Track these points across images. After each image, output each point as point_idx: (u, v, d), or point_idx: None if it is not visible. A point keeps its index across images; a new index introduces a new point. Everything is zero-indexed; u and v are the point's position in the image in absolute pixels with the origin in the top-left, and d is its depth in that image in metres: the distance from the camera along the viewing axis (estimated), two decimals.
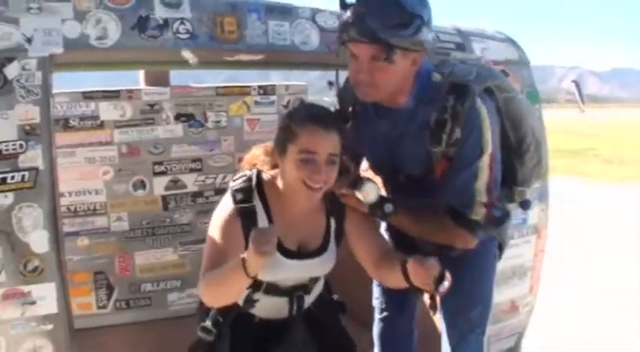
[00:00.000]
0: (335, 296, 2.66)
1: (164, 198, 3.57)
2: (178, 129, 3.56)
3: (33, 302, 2.28)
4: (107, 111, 3.41)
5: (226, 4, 2.67)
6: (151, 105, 3.50)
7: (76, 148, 3.35)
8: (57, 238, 2.32)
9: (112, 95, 3.44)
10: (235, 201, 2.25)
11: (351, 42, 2.25)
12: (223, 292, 2.14)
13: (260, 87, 3.75)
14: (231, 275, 2.04)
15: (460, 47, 3.22)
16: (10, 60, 2.24)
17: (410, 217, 2.42)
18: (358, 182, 2.34)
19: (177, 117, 3.55)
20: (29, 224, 2.26)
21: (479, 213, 2.34)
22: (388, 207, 2.35)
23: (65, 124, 3.35)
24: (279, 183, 2.29)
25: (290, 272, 2.33)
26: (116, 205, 3.47)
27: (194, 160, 3.60)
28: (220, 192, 3.49)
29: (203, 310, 2.42)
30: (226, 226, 2.21)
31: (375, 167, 2.68)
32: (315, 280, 2.47)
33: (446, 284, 2.00)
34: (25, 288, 2.27)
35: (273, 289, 2.36)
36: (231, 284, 2.08)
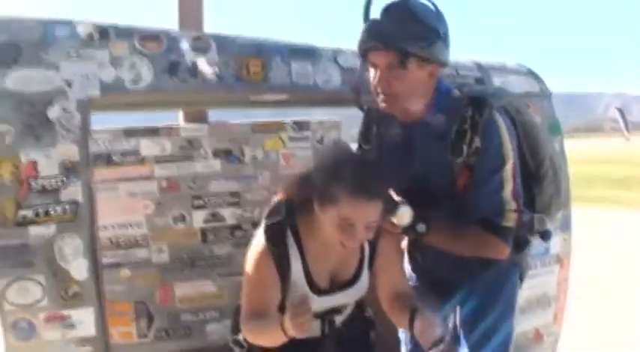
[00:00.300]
0: (368, 312, 2.67)
1: (203, 230, 3.73)
2: (216, 164, 3.74)
3: (72, 326, 2.52)
4: (148, 147, 3.62)
5: (252, 47, 2.90)
6: (190, 142, 3.69)
7: (117, 183, 3.55)
8: (95, 266, 2.56)
9: (152, 132, 3.65)
10: (267, 240, 2.30)
11: (369, 51, 2.39)
12: (265, 341, 2.26)
13: (295, 122, 3.94)
14: (271, 332, 2.15)
15: (479, 81, 3.39)
16: (52, 102, 2.51)
17: (442, 234, 2.44)
18: (393, 207, 2.33)
19: (215, 152, 3.74)
20: (70, 253, 2.52)
21: (510, 220, 2.40)
22: (421, 227, 2.38)
23: (108, 160, 3.55)
24: (314, 220, 2.28)
25: (322, 305, 2.36)
26: (157, 238, 3.64)
27: (232, 194, 3.77)
28: (257, 224, 3.69)
29: (236, 322, 2.46)
30: (260, 266, 2.29)
31: (398, 186, 2.60)
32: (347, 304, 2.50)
33: (441, 347, 2.03)
34: (66, 312, 2.51)
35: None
36: (271, 338, 2.20)
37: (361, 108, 2.75)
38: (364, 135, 2.73)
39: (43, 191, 2.49)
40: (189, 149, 3.70)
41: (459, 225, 2.43)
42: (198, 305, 3.74)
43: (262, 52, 2.89)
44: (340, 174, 2.14)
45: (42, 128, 2.49)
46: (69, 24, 2.65)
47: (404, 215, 2.34)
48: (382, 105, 2.45)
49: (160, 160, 3.63)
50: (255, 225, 3.69)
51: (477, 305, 2.53)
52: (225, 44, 2.87)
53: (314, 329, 2.39)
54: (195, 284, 3.71)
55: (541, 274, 3.44)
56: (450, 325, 2.00)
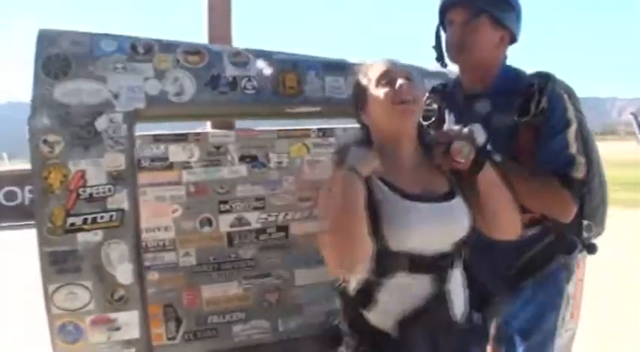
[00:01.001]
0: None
1: (229, 234, 3.85)
2: (242, 169, 3.87)
3: (118, 328, 2.71)
4: (176, 153, 3.75)
5: (288, 62, 3.09)
6: (217, 148, 3.83)
7: (147, 188, 3.67)
8: (140, 271, 2.75)
9: (180, 138, 3.78)
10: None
11: (448, 9, 2.68)
12: (343, 225, 2.02)
13: (319, 129, 4.08)
14: (343, 191, 2.03)
15: None
16: (99, 114, 2.70)
17: (516, 171, 2.43)
18: (459, 132, 2.23)
19: (242, 158, 3.87)
20: (116, 258, 2.71)
21: (580, 171, 2.52)
22: (497, 156, 2.37)
23: (137, 165, 3.68)
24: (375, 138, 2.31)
25: (425, 221, 2.15)
26: (184, 241, 3.77)
27: (257, 199, 3.90)
28: (282, 229, 3.87)
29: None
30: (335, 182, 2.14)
31: None
32: (457, 249, 2.24)
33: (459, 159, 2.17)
34: (112, 315, 2.71)
35: (417, 261, 2.15)
36: (347, 204, 2.03)
37: None
38: (426, 112, 2.79)
39: (91, 199, 2.69)
40: (216, 155, 3.83)
41: (531, 172, 2.51)
42: (224, 307, 3.85)
43: (297, 67, 3.08)
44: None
45: (90, 139, 2.69)
46: (116, 38, 2.85)
47: (478, 133, 2.24)
48: (454, 56, 2.71)
49: (187, 166, 3.78)
50: (279, 229, 3.90)
51: (532, 312, 2.66)
52: (262, 59, 3.06)
53: (422, 293, 2.19)
54: (221, 287, 3.83)
55: None
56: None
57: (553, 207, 2.57)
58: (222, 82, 2.95)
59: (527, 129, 2.57)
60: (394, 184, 2.20)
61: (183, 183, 3.77)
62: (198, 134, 3.85)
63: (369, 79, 2.30)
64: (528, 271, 2.65)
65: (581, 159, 2.54)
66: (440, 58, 2.84)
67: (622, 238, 10.37)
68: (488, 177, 2.26)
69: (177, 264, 3.79)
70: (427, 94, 2.88)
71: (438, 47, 2.82)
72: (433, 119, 2.82)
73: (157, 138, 3.75)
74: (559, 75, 2.67)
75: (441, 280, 2.20)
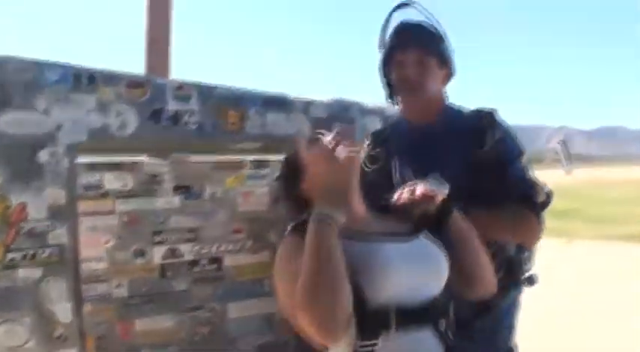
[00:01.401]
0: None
1: (162, 266, 3.79)
2: (176, 200, 3.81)
3: None
4: (110, 181, 3.68)
5: (230, 98, 3.13)
6: (152, 177, 3.79)
7: (80, 217, 3.63)
8: (79, 308, 2.73)
9: (115, 167, 3.74)
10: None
11: (397, 49, 2.81)
12: (321, 280, 1.85)
13: (254, 161, 4.06)
14: (317, 243, 1.90)
15: None
16: (41, 146, 2.68)
17: (479, 210, 2.43)
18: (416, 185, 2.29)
19: (176, 188, 3.80)
20: (55, 295, 2.69)
21: (542, 195, 2.69)
22: (457, 203, 2.30)
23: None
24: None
25: (402, 259, 2.02)
26: (117, 272, 3.65)
27: (190, 230, 3.85)
28: (215, 261, 3.86)
29: None
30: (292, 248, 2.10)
31: None
32: (446, 294, 2.11)
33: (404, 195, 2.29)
34: None
35: (407, 315, 1.97)
36: (322, 256, 1.88)
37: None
38: (371, 157, 2.90)
39: (31, 234, 2.66)
40: (151, 184, 3.76)
41: (495, 205, 2.58)
42: (157, 340, 3.78)
43: (240, 102, 3.12)
44: None
45: (32, 172, 2.67)
46: (60, 67, 2.82)
47: (439, 179, 2.29)
48: (408, 93, 2.82)
49: (121, 195, 3.71)
50: (212, 261, 3.89)
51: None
52: (205, 94, 3.10)
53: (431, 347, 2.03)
54: (154, 319, 3.76)
55: None
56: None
57: (525, 235, 2.72)
58: (165, 116, 2.98)
59: (485, 161, 2.67)
60: (353, 230, 2.08)
61: (117, 213, 3.67)
62: (133, 163, 3.80)
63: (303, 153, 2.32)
64: (483, 310, 2.67)
65: (539, 183, 2.73)
66: (391, 97, 2.95)
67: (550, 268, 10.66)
68: (459, 223, 2.26)
69: (110, 295, 3.65)
70: (368, 138, 3.00)
71: (388, 86, 2.94)
72: (379, 163, 2.91)
73: (92, 166, 3.70)
74: (489, 103, 2.83)
75: (446, 334, 2.05)
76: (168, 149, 3.34)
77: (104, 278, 3.67)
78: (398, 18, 2.89)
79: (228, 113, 3.14)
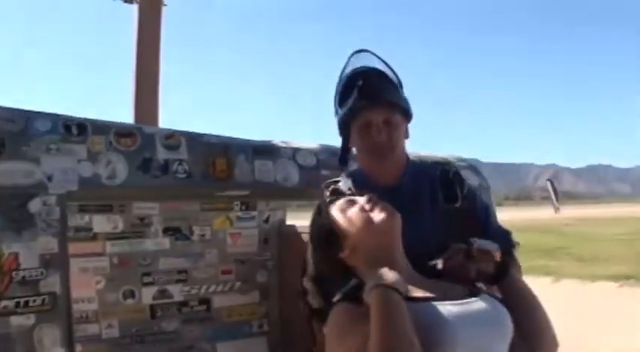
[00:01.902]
0: None
1: (152, 307, 3.87)
2: (165, 242, 3.90)
3: None
4: (100, 223, 3.74)
5: (219, 146, 3.20)
6: (141, 219, 3.85)
7: (70, 258, 3.67)
8: None
9: (105, 208, 3.77)
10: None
11: (363, 109, 2.61)
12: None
13: (242, 203, 4.15)
14: (388, 314, 1.76)
15: None
16: (32, 196, 2.74)
17: None
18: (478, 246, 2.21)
19: (165, 230, 3.90)
20: (48, 343, 2.74)
21: (514, 243, 2.73)
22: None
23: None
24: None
25: (468, 327, 1.87)
26: (107, 313, 3.75)
27: (180, 271, 3.93)
28: (204, 301, 3.92)
29: None
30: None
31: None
32: None
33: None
34: None
35: None
36: (395, 327, 1.74)
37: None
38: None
39: (24, 282, 2.72)
40: (140, 226, 3.86)
41: None
42: None
43: (228, 150, 3.19)
44: None
45: (23, 221, 2.72)
46: (50, 117, 2.90)
47: (489, 243, 2.25)
48: (381, 157, 2.66)
49: (111, 237, 3.77)
50: (201, 301, 3.95)
51: None
52: (194, 142, 3.17)
53: None
54: None
55: None
56: None
57: None
58: (154, 165, 3.04)
59: (459, 216, 2.63)
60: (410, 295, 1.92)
61: (107, 255, 3.77)
62: (122, 205, 3.85)
63: (332, 217, 2.20)
64: None
65: (507, 230, 2.77)
66: (344, 161, 2.85)
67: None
68: (519, 281, 2.18)
69: (100, 335, 3.76)
70: (327, 193, 2.77)
71: (345, 150, 2.83)
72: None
73: (82, 209, 3.77)
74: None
75: None
76: (157, 198, 3.40)
77: (94, 319, 3.75)
78: (355, 65, 2.74)
79: (216, 161, 3.19)
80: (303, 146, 3.50)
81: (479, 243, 2.22)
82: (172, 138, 3.13)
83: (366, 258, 2.07)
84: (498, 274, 2.18)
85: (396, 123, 2.66)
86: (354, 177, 2.82)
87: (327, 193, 2.76)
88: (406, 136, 2.75)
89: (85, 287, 3.74)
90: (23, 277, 2.72)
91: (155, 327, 3.88)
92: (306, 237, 2.65)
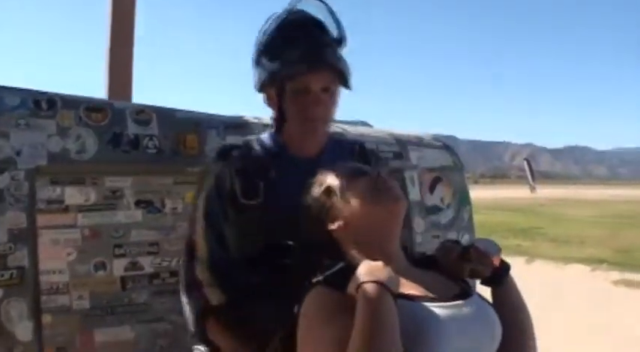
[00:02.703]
0: None
1: (123, 278, 3.85)
2: (138, 214, 3.87)
3: None
4: (72, 196, 3.68)
5: (189, 122, 3.22)
6: (114, 192, 3.83)
7: (42, 230, 3.67)
8: (39, 328, 2.83)
9: (77, 180, 3.77)
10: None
11: (303, 74, 2.31)
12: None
13: None
14: (375, 317, 1.66)
15: (398, 156, 3.79)
16: (1, 171, 2.78)
17: None
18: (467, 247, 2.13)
19: (137, 203, 3.85)
20: (15, 315, 2.81)
21: None
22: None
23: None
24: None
25: (455, 329, 1.80)
26: (78, 285, 3.71)
27: (151, 244, 3.91)
28: (175, 273, 3.94)
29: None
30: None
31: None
32: None
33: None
34: None
35: None
36: (380, 331, 1.64)
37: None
38: (248, 191, 2.41)
39: None
40: (112, 199, 3.81)
41: None
42: (117, 351, 3.83)
43: (199, 126, 3.21)
44: None
45: None
46: (19, 92, 2.91)
47: (492, 245, 2.14)
48: (312, 132, 2.44)
49: (83, 209, 3.75)
50: (172, 274, 3.96)
51: None
52: (164, 118, 3.20)
53: None
54: (114, 331, 3.80)
55: None
56: None
57: None
58: (125, 140, 3.07)
59: None
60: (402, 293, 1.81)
61: (79, 227, 3.74)
62: (95, 177, 3.86)
63: (328, 185, 2.09)
64: None
65: None
66: (279, 125, 2.53)
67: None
68: (514, 293, 2.10)
69: (71, 307, 3.71)
70: (231, 161, 2.51)
71: (281, 120, 2.50)
72: (259, 198, 2.42)
73: (54, 181, 3.78)
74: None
75: None
76: (127, 173, 3.42)
77: (65, 290, 3.77)
78: (295, 10, 2.41)
79: (187, 137, 3.21)
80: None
81: (479, 245, 2.10)
82: (143, 113, 3.16)
83: (358, 239, 2.00)
84: (494, 279, 2.09)
85: (335, 93, 2.41)
86: (264, 143, 2.57)
87: (233, 158, 2.51)
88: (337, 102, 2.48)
89: (56, 258, 3.69)
90: None
91: (126, 299, 3.86)
92: None
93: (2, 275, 2.79)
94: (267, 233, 2.33)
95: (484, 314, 1.93)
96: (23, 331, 2.82)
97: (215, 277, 2.39)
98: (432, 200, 3.82)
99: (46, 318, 3.71)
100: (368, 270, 1.74)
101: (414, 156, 3.87)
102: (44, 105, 2.93)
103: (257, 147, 2.55)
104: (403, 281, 1.86)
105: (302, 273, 1.96)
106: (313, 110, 2.36)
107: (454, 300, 1.89)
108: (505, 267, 2.11)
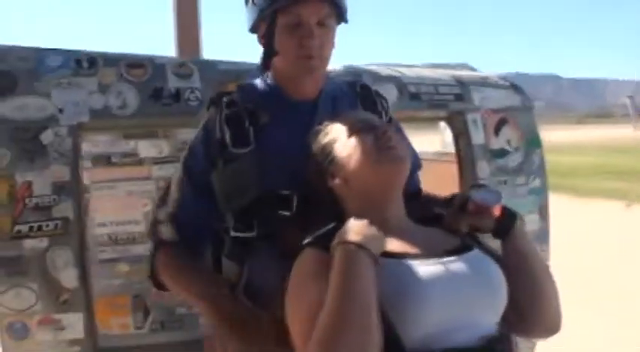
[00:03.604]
0: None
1: None
2: None
3: (63, 329, 2.99)
4: (146, 148, 3.82)
5: (231, 73, 3.29)
6: (186, 143, 3.95)
7: (117, 182, 3.80)
8: (85, 275, 3.02)
9: (150, 134, 3.82)
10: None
11: (295, 4, 2.11)
12: (347, 323, 1.53)
13: None
14: (347, 282, 1.57)
15: (459, 98, 3.71)
16: (44, 128, 2.95)
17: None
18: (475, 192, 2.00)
19: None
20: (61, 264, 2.97)
21: None
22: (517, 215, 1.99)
23: (107, 161, 3.76)
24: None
25: (445, 293, 1.66)
26: None
27: None
28: None
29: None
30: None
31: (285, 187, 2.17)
32: (504, 327, 1.78)
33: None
34: (57, 316, 2.98)
35: None
36: (351, 297, 1.55)
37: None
38: (238, 138, 2.21)
39: (37, 208, 2.95)
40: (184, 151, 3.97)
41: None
42: None
43: (240, 77, 3.27)
44: None
45: (36, 152, 2.95)
46: (61, 53, 3.08)
47: (492, 193, 2.00)
48: (307, 70, 2.21)
49: (157, 161, 3.88)
50: None
51: None
52: (206, 70, 3.29)
53: None
54: None
55: None
56: None
57: None
58: (165, 94, 3.18)
59: None
60: (386, 251, 1.72)
61: (153, 179, 3.90)
62: (167, 130, 3.96)
63: (334, 137, 2.02)
64: None
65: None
66: (266, 67, 2.35)
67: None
68: (522, 242, 1.93)
69: (147, 256, 3.94)
70: (220, 107, 2.32)
71: (270, 51, 2.27)
72: (251, 145, 2.22)
73: (127, 135, 3.96)
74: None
75: None
76: (170, 126, 3.54)
77: (141, 240, 3.93)
78: None
79: (228, 88, 3.25)
80: None
81: (475, 196, 1.97)
82: (184, 67, 3.26)
83: (356, 197, 1.95)
84: (498, 231, 1.94)
85: (331, 27, 2.21)
86: (257, 87, 2.40)
87: (223, 105, 2.30)
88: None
89: (132, 209, 3.91)
90: (36, 203, 2.95)
91: None
92: None
93: (47, 226, 2.96)
94: (262, 182, 2.16)
95: (480, 269, 1.77)
96: (68, 278, 2.98)
97: (173, 217, 2.34)
98: (497, 143, 3.71)
99: (123, 267, 3.93)
100: (348, 230, 1.67)
101: (477, 97, 3.77)
102: (85, 63, 3.08)
103: (250, 91, 2.38)
104: (393, 239, 1.79)
105: (300, 226, 1.94)
106: (308, 44, 2.14)
107: (446, 256, 1.76)
108: (509, 216, 1.94)
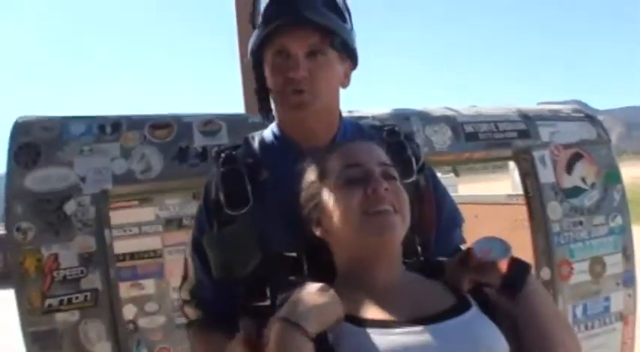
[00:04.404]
0: None
1: None
2: None
3: None
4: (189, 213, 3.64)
5: (262, 126, 3.17)
6: None
7: (166, 248, 3.70)
8: (118, 348, 2.98)
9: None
10: None
11: (279, 32, 1.91)
12: None
13: None
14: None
15: (523, 134, 3.51)
16: (68, 198, 2.93)
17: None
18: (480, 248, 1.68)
19: None
20: (94, 336, 2.94)
21: None
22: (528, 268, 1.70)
23: (179, 224, 3.69)
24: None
25: None
26: None
27: None
28: None
29: None
30: None
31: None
32: None
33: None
34: None
35: None
36: None
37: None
38: (233, 198, 1.97)
39: (65, 281, 2.94)
40: None
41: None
42: None
43: None
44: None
45: (60, 223, 2.94)
46: (85, 120, 3.09)
47: (500, 245, 1.69)
48: (295, 104, 1.96)
49: None
50: None
51: None
52: (235, 125, 3.21)
53: None
54: None
55: (600, 334, 3.49)
56: None
57: None
58: (192, 153, 3.11)
59: (410, 193, 1.80)
60: (366, 317, 1.54)
61: None
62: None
63: (323, 174, 1.75)
64: None
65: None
66: (265, 109, 2.15)
67: None
68: (535, 300, 1.66)
69: None
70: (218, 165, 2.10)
71: (263, 92, 2.10)
72: (248, 205, 1.97)
73: (196, 196, 3.89)
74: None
75: None
76: (197, 187, 3.47)
77: None
78: None
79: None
80: (373, 112, 3.40)
81: (476, 248, 1.69)
82: (211, 123, 3.19)
83: (343, 251, 1.71)
84: (506, 288, 1.65)
85: (327, 58, 1.95)
86: (264, 136, 2.19)
87: (220, 162, 2.08)
88: (344, 84, 2.07)
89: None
90: (64, 276, 2.94)
91: None
92: None
93: (77, 298, 2.95)
94: (264, 244, 1.93)
95: (466, 336, 1.51)
96: (102, 350, 2.97)
97: (193, 296, 2.15)
98: (570, 181, 3.46)
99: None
100: (291, 302, 1.48)
101: (545, 132, 3.55)
102: (108, 129, 3.07)
103: (254, 142, 2.17)
104: (372, 302, 1.57)
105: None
106: (293, 77, 1.92)
107: (429, 322, 1.50)
108: (519, 271, 1.66)
